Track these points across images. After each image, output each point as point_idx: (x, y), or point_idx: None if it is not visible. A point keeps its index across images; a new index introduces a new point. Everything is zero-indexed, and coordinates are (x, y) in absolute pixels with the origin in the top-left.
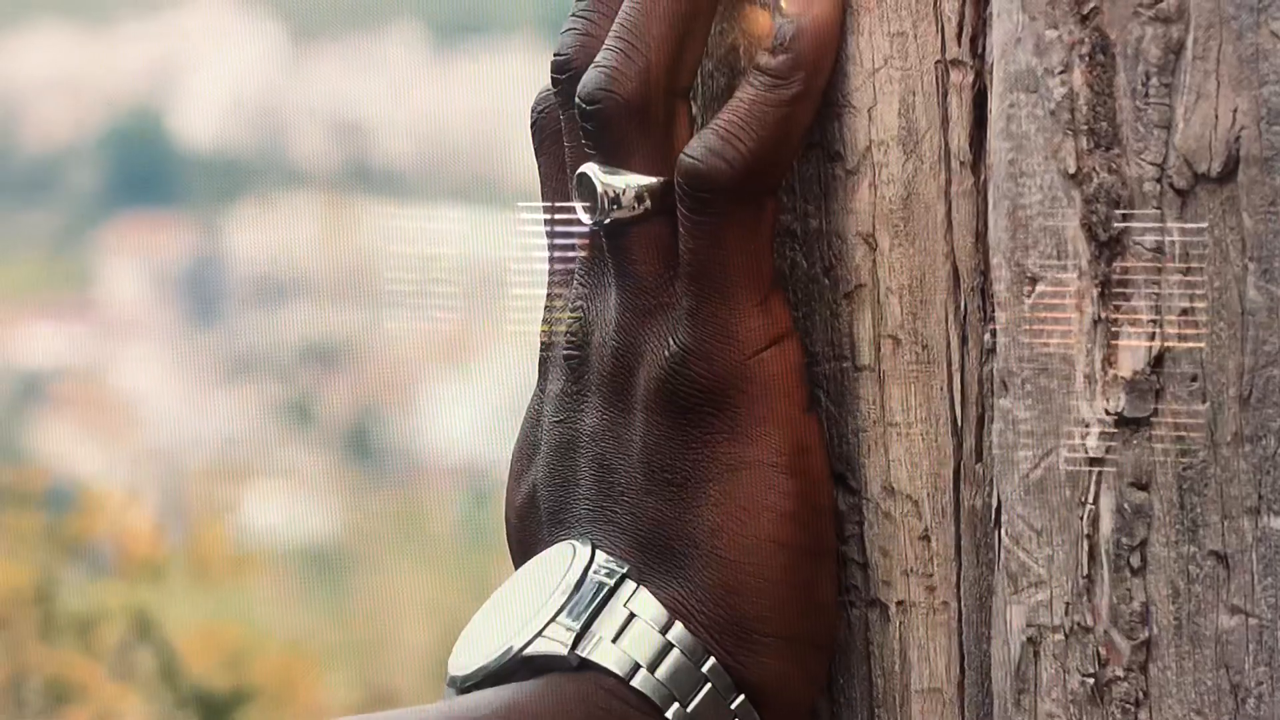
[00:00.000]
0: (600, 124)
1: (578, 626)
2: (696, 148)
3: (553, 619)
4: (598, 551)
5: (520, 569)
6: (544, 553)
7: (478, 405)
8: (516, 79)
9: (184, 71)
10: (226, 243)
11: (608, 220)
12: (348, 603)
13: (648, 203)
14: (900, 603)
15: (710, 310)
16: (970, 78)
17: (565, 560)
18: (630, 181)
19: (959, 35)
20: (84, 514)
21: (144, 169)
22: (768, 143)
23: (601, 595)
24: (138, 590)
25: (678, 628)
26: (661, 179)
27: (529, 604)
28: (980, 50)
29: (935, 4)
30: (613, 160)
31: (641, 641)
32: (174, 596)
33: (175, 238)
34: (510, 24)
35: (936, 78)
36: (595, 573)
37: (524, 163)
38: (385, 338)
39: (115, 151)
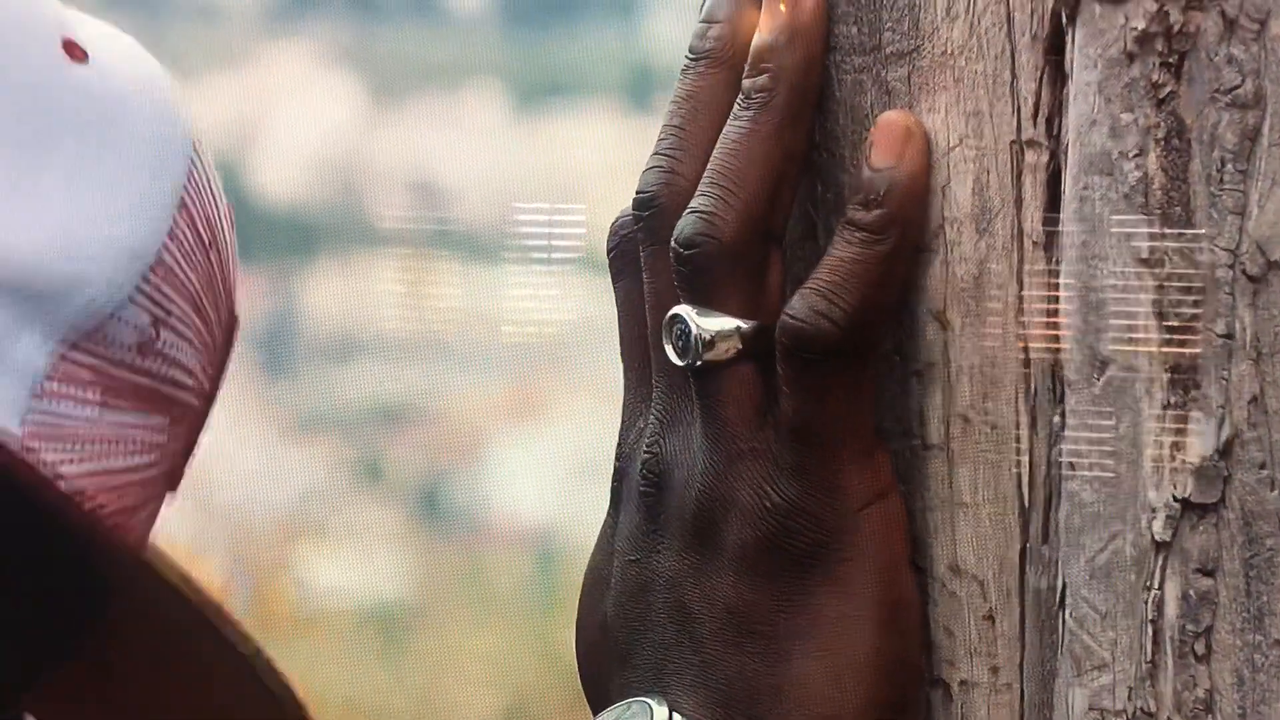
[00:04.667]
0: (697, 268)
1: None
2: (800, 308)
3: None
4: (675, 715)
5: None
6: (617, 712)
7: (547, 466)
8: (594, 141)
9: (261, 127)
10: (299, 299)
11: (699, 363)
12: (412, 664)
13: (740, 345)
14: (963, 682)
15: (814, 466)
16: (1045, 158)
17: None
18: (725, 325)
19: (1035, 116)
20: None
21: None
22: (869, 300)
23: None
24: None
25: None
26: (755, 323)
27: None
28: (1056, 131)
29: (1012, 84)
30: (707, 303)
31: None
32: None
33: (248, 293)
34: (589, 87)
35: (1011, 158)
36: None
37: (598, 225)
38: (456, 397)
39: None
